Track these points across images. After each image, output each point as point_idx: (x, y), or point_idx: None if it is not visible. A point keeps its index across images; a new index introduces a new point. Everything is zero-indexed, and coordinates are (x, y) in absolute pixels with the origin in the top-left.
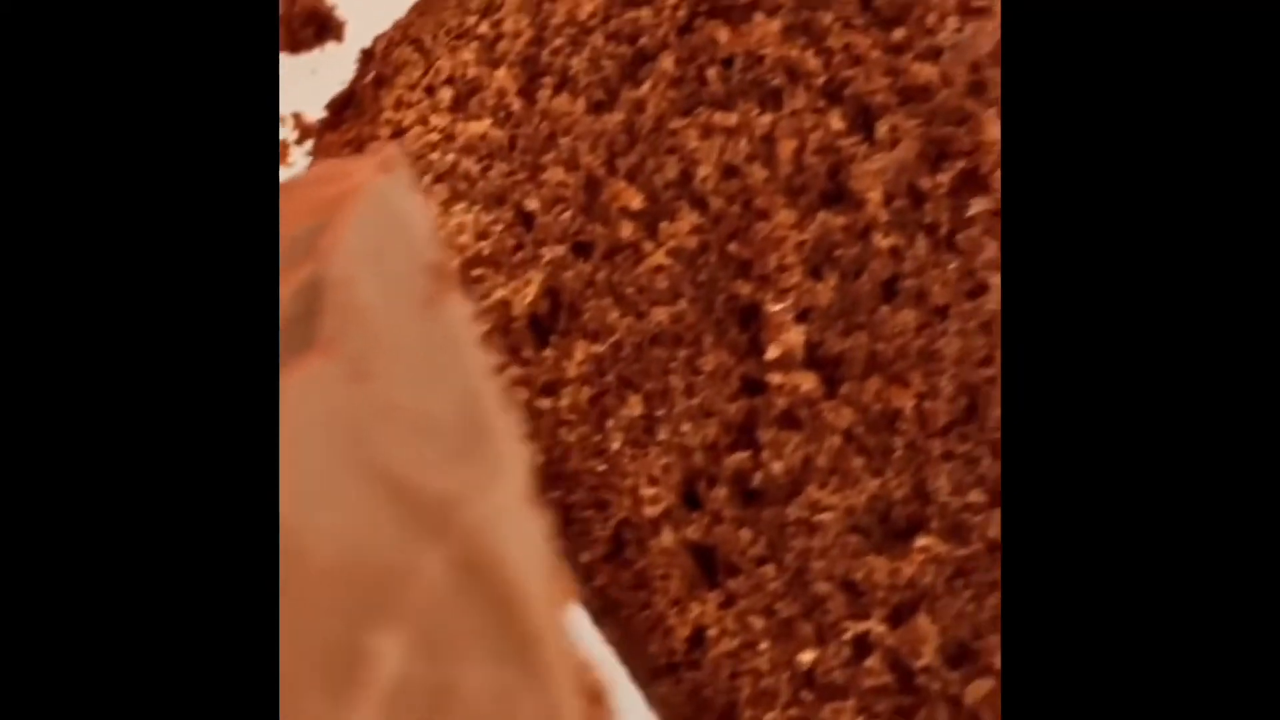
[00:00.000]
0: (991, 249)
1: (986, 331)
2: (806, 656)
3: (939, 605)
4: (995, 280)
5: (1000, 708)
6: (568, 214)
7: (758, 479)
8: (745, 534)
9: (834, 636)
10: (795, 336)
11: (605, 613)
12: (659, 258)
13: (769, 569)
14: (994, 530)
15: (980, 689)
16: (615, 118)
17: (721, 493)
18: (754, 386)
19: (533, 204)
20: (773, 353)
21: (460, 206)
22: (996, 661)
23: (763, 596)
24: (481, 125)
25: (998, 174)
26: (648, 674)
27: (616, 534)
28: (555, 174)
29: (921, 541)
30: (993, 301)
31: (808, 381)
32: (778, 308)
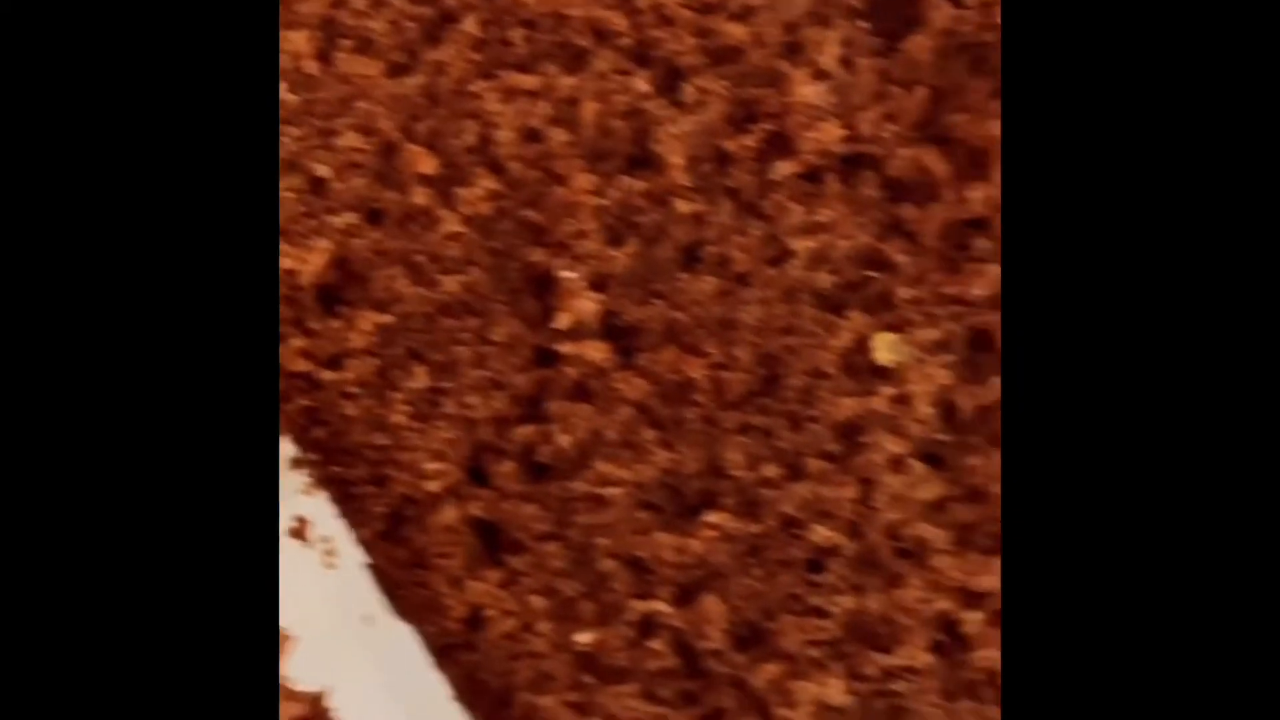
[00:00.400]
0: (797, 214)
1: (788, 299)
2: (585, 637)
3: (728, 585)
4: (799, 245)
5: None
6: (361, 180)
7: (545, 453)
8: (530, 510)
9: (617, 617)
10: (588, 305)
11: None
12: (453, 225)
13: (552, 546)
14: (788, 506)
15: (769, 673)
16: (415, 81)
17: (508, 467)
18: (546, 357)
19: (324, 170)
20: (563, 321)
21: None
22: (787, 644)
23: (545, 575)
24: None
25: (805, 135)
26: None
27: (396, 510)
28: (350, 139)
29: (712, 518)
30: (796, 268)
31: (599, 351)
32: (571, 275)
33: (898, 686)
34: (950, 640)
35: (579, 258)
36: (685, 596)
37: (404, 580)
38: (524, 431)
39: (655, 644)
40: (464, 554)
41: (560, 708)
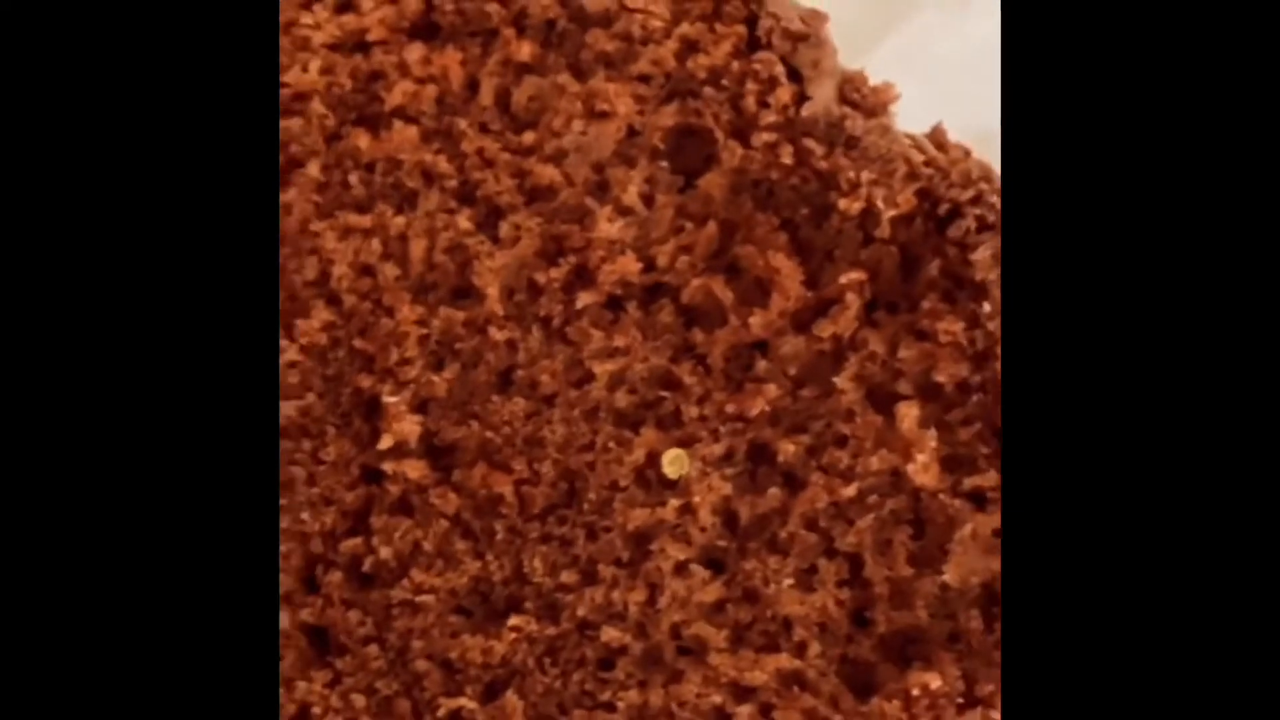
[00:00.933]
0: (597, 339)
1: (590, 418)
2: None
3: (527, 683)
4: (601, 369)
5: None
6: None
7: (369, 563)
8: (354, 615)
9: (430, 712)
10: (409, 426)
11: None
12: (292, 354)
13: (373, 649)
14: (584, 609)
15: None
16: None
17: (336, 576)
18: (372, 475)
19: None
20: (385, 442)
21: None
22: None
23: (366, 675)
24: None
25: (606, 267)
26: None
27: None
28: None
29: (515, 621)
30: (597, 389)
31: (417, 469)
32: (394, 399)
33: None
34: None
35: (403, 383)
36: (490, 694)
37: None
38: (351, 544)
39: None
40: (295, 656)
41: None
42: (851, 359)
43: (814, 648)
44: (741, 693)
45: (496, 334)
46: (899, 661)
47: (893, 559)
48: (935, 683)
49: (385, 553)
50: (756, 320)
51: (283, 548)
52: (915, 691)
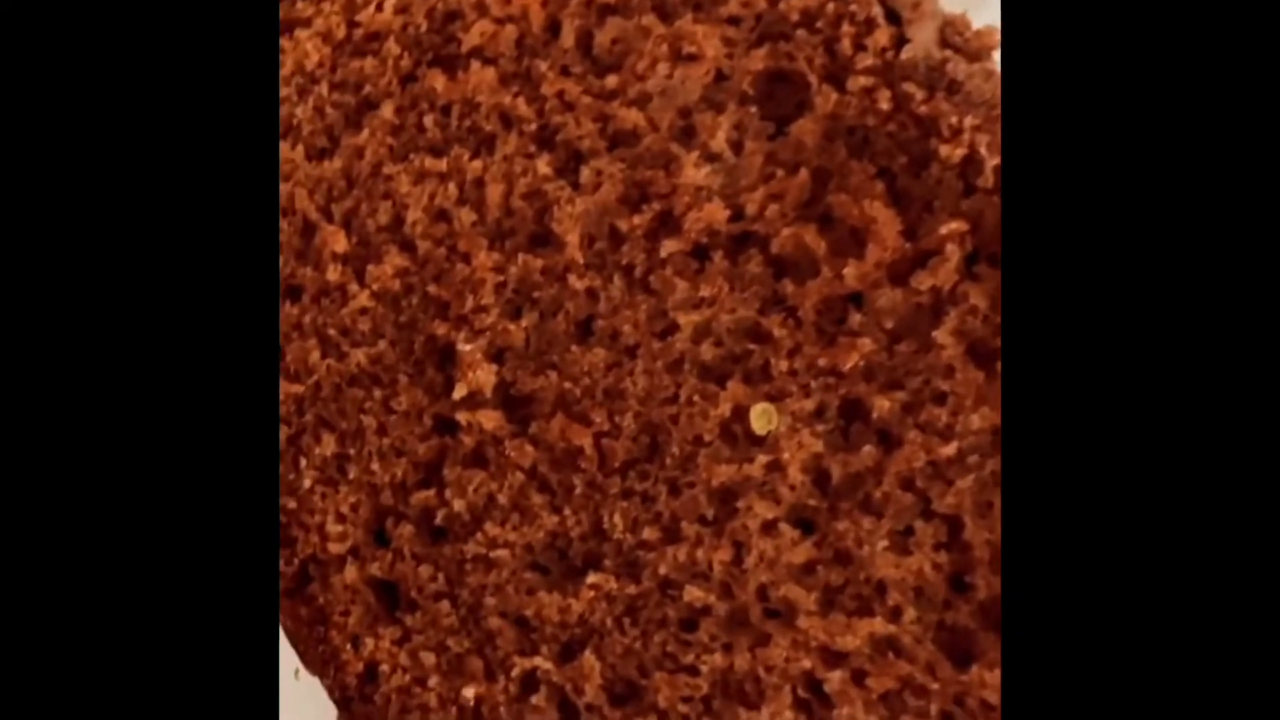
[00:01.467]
0: (682, 289)
1: (673, 370)
2: (469, 692)
3: (606, 643)
4: (685, 319)
5: None
6: (280, 259)
7: (441, 516)
8: (425, 570)
9: (503, 672)
10: (485, 376)
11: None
12: (363, 300)
13: (444, 605)
14: (666, 568)
15: None
16: (334, 165)
17: (407, 530)
18: (445, 425)
19: None
20: (460, 392)
21: None
22: (660, 700)
23: (437, 632)
24: None
25: (691, 215)
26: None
27: (302, 570)
28: None
29: (593, 579)
30: (681, 340)
31: (493, 420)
32: (469, 347)
33: None
34: (813, 698)
35: (479, 331)
36: (566, 654)
37: (308, 636)
38: (422, 496)
39: (537, 699)
40: (362, 612)
41: None
42: (951, 313)
43: (909, 613)
44: (833, 658)
45: (576, 282)
46: (999, 629)
47: (993, 522)
48: None
49: (458, 505)
50: (851, 271)
51: (351, 499)
52: None
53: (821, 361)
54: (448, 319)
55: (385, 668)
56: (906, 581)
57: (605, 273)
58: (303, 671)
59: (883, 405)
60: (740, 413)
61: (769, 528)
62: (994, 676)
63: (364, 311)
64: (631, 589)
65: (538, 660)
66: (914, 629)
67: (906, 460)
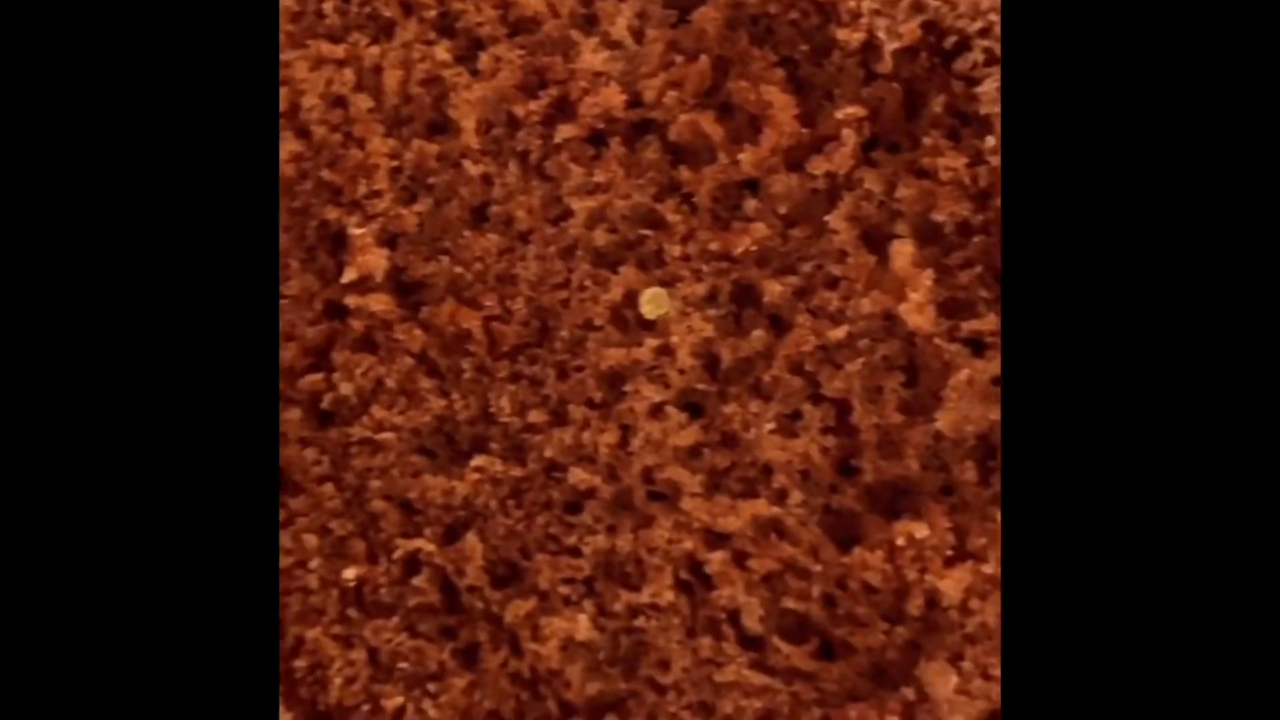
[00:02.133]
0: (577, 175)
1: (566, 256)
2: (350, 573)
3: (489, 525)
4: (580, 205)
5: None
6: None
7: (328, 400)
8: (310, 453)
9: (385, 554)
10: (376, 260)
11: None
12: None
13: (328, 488)
14: (552, 451)
15: (521, 609)
16: None
17: (294, 414)
18: (335, 310)
19: None
20: (349, 275)
21: None
22: (541, 581)
23: (320, 515)
24: None
25: (588, 100)
26: None
27: None
28: None
29: (478, 461)
30: (575, 226)
31: (382, 304)
32: (360, 231)
33: (642, 623)
34: (695, 579)
35: (372, 216)
36: (449, 536)
37: None
38: (310, 380)
39: (418, 580)
40: None
41: (326, 639)
42: (846, 198)
43: (795, 495)
44: (714, 539)
45: (471, 168)
46: (886, 513)
47: (883, 406)
48: (922, 532)
49: (346, 389)
50: (747, 157)
51: None
52: (900, 542)
53: (714, 246)
54: (340, 204)
55: None
56: (793, 464)
57: (501, 159)
58: None
59: (774, 290)
60: (631, 298)
61: (656, 411)
62: (876, 558)
63: None
64: (517, 471)
65: (420, 542)
66: (799, 511)
67: (796, 344)
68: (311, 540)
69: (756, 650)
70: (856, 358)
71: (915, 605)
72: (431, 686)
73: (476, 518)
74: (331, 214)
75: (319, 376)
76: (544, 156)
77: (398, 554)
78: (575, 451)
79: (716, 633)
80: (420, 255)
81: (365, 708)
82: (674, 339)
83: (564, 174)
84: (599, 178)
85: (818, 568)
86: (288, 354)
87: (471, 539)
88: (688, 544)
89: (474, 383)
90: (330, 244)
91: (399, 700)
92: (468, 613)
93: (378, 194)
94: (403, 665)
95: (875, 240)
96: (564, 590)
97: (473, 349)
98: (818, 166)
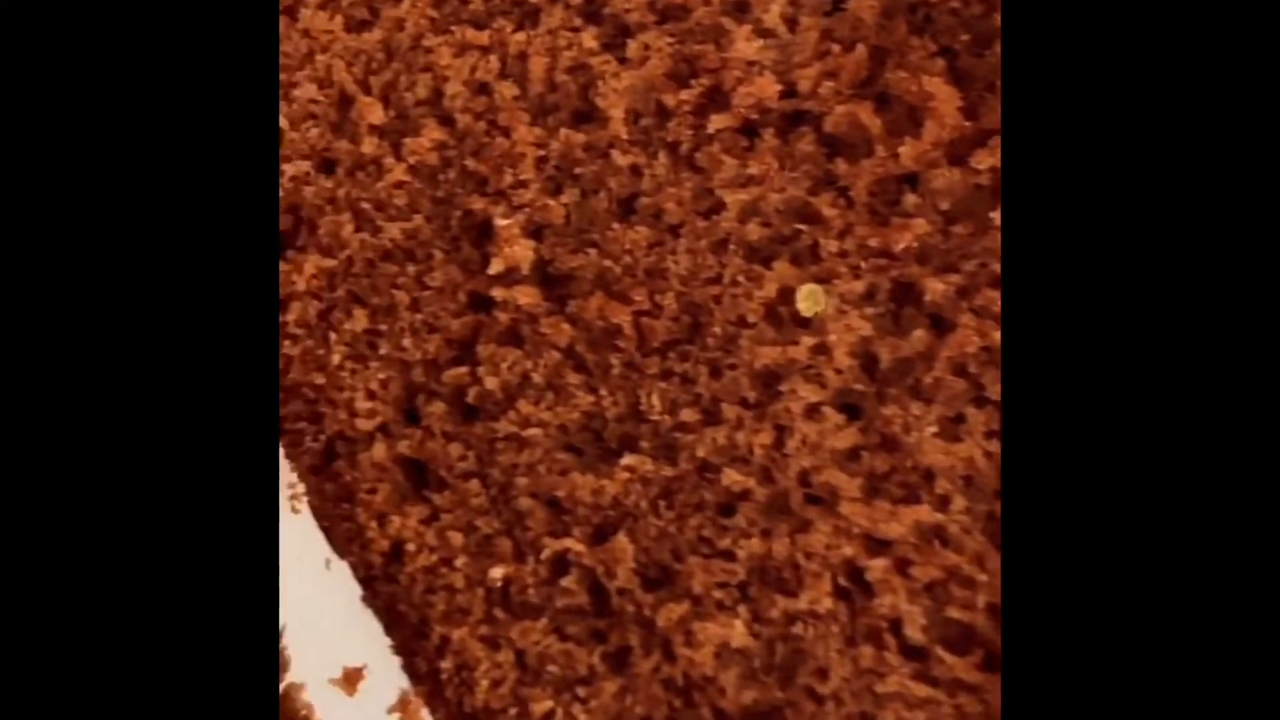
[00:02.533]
0: (729, 167)
1: (718, 250)
2: (497, 572)
3: (640, 526)
4: (732, 198)
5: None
6: (315, 131)
7: (473, 394)
8: (455, 448)
9: (533, 554)
10: (523, 252)
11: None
12: (399, 174)
13: (474, 484)
14: (704, 451)
15: (674, 613)
16: (374, 36)
17: (438, 407)
18: (480, 302)
19: (282, 122)
20: (496, 267)
21: None
22: (694, 585)
23: (466, 512)
24: None
25: (741, 90)
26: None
27: (328, 447)
28: (307, 90)
29: (628, 460)
30: (727, 220)
31: (529, 297)
32: (506, 222)
33: (799, 630)
34: (854, 586)
35: (518, 207)
36: (599, 536)
37: (333, 513)
38: (455, 373)
39: (567, 581)
40: (390, 490)
41: (473, 641)
42: None
43: (958, 502)
44: (876, 546)
45: (620, 159)
46: None
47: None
48: None
49: (491, 383)
50: (906, 151)
51: (381, 376)
52: None
53: (873, 243)
54: (486, 194)
55: (412, 547)
56: (956, 469)
57: (650, 149)
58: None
59: (936, 288)
60: (786, 294)
61: (813, 411)
62: None
63: (400, 185)
64: (668, 471)
65: (569, 542)
66: (962, 519)
67: (959, 345)
68: (457, 538)
69: (919, 661)
70: None
71: None
72: (581, 691)
73: (627, 518)
74: (477, 204)
75: (463, 370)
76: (695, 148)
77: (546, 554)
78: (729, 452)
79: (878, 642)
80: (567, 248)
81: (513, 711)
82: (831, 337)
83: (716, 166)
84: (752, 170)
85: (983, 577)
86: (431, 346)
87: (622, 540)
88: (847, 550)
89: (623, 379)
90: (475, 234)
91: (548, 704)
92: (618, 616)
93: (524, 184)
94: (551, 669)
95: None
96: (718, 595)
97: (622, 344)
98: (981, 161)
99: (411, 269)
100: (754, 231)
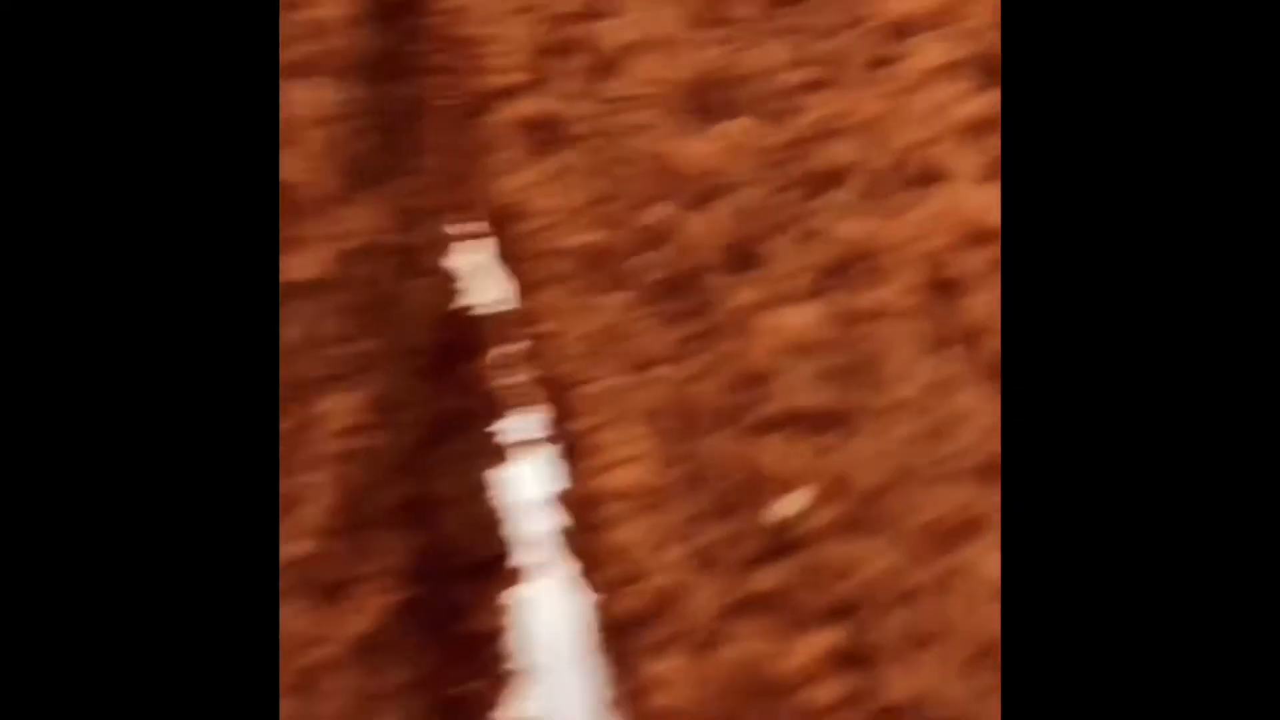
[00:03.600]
0: None
1: None
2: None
3: (736, 196)
4: None
5: None
6: None
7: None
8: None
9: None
10: None
11: None
12: None
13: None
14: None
15: (747, 296)
16: None
17: (569, 64)
18: None
19: None
20: None
21: None
22: (777, 268)
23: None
24: None
25: None
26: None
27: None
28: None
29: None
30: None
31: None
32: None
33: (877, 328)
34: (943, 282)
35: None
36: (695, 203)
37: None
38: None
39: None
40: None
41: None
42: None
43: None
44: (974, 239)
45: None
46: None
47: None
48: None
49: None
50: None
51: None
52: None
53: None
54: None
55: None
56: None
57: None
58: None
59: None
60: None
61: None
62: None
63: None
64: (771, 139)
65: (668, 207)
66: None
67: None
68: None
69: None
70: None
71: None
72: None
73: (726, 188)
74: None
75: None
76: None
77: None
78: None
79: (966, 344)
80: None
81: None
82: None
83: None
84: None
85: None
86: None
87: (720, 206)
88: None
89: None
90: None
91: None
92: (701, 293)
93: None
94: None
95: None
96: (797, 281)
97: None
98: None
99: None
100: None
